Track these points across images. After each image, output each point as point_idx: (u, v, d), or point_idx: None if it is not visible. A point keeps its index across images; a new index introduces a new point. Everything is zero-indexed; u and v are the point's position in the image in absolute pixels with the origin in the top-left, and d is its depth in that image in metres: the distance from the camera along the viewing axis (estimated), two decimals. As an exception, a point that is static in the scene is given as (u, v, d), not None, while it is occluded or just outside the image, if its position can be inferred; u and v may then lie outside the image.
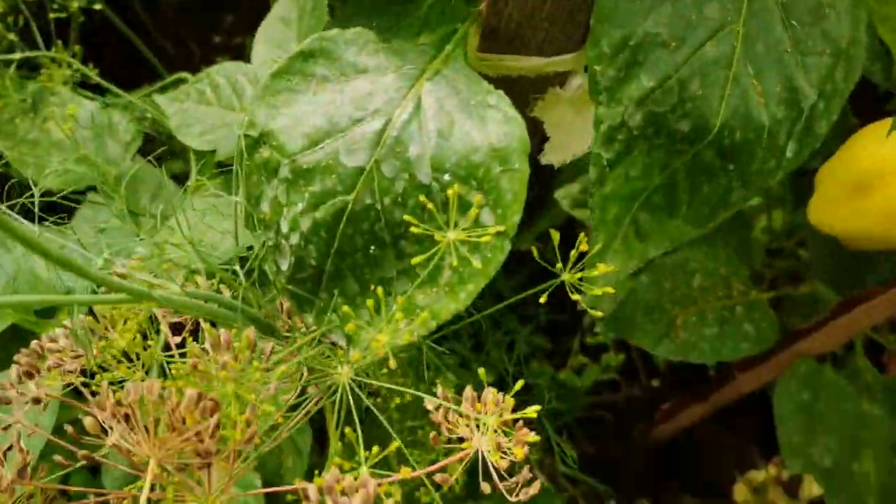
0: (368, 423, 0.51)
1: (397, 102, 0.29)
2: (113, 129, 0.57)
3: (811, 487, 0.91)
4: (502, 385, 0.83)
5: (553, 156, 0.35)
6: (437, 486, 0.45)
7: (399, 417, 0.43)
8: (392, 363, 0.34)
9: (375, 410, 0.30)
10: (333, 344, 0.32)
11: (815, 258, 0.60)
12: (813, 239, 0.60)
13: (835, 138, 0.56)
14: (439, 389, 0.29)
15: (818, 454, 0.59)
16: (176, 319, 0.35)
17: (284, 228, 0.30)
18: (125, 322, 0.32)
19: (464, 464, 0.28)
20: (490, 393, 0.28)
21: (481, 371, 0.30)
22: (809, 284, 0.64)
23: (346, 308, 0.28)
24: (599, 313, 0.60)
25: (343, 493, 0.24)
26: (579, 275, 0.29)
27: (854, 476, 0.60)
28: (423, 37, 0.31)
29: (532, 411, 0.28)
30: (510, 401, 0.29)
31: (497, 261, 0.28)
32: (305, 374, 0.33)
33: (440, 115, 0.29)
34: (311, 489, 0.24)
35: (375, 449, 0.27)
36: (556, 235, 0.29)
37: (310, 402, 0.32)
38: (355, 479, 0.25)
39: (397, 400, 0.40)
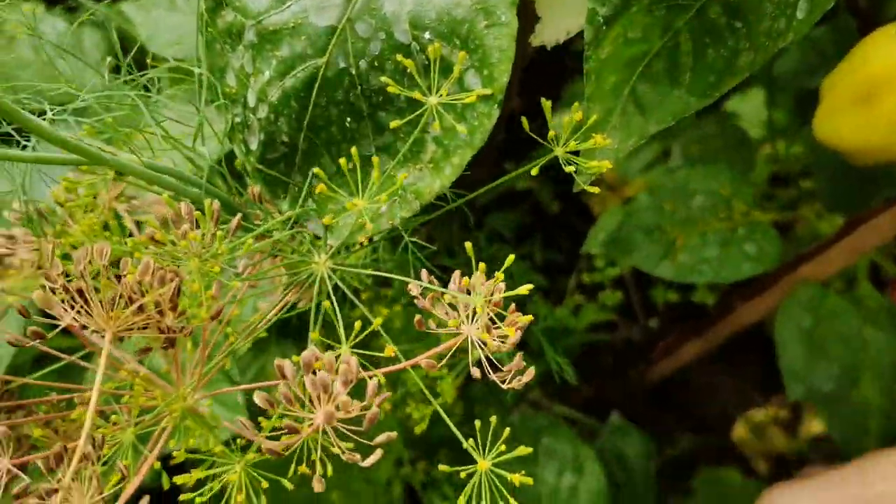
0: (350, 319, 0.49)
1: (373, -41, 0.27)
2: (83, 47, 0.54)
3: (810, 426, 0.90)
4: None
5: (545, 35, 0.32)
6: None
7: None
8: (373, 250, 0.32)
9: (356, 300, 0.27)
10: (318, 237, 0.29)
11: (820, 179, 0.58)
12: (818, 159, 0.58)
13: (839, 51, 0.54)
14: (423, 273, 0.26)
15: (819, 380, 0.58)
16: (141, 218, 0.33)
17: (251, 101, 0.27)
18: (86, 212, 0.30)
19: (450, 352, 0.26)
20: (479, 273, 0.26)
21: (468, 245, 0.27)
22: (813, 208, 0.62)
23: (321, 187, 0.26)
24: (594, 249, 0.58)
25: (320, 370, 0.22)
26: (573, 146, 0.27)
27: (855, 402, 0.59)
28: None
29: (525, 289, 0.26)
30: (500, 279, 0.26)
31: (484, 129, 0.26)
32: (285, 278, 0.30)
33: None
34: (287, 366, 0.22)
35: (358, 324, 0.24)
36: (547, 104, 0.27)
37: (286, 293, 0.29)
38: (336, 357, 0.23)
39: (383, 292, 0.37)
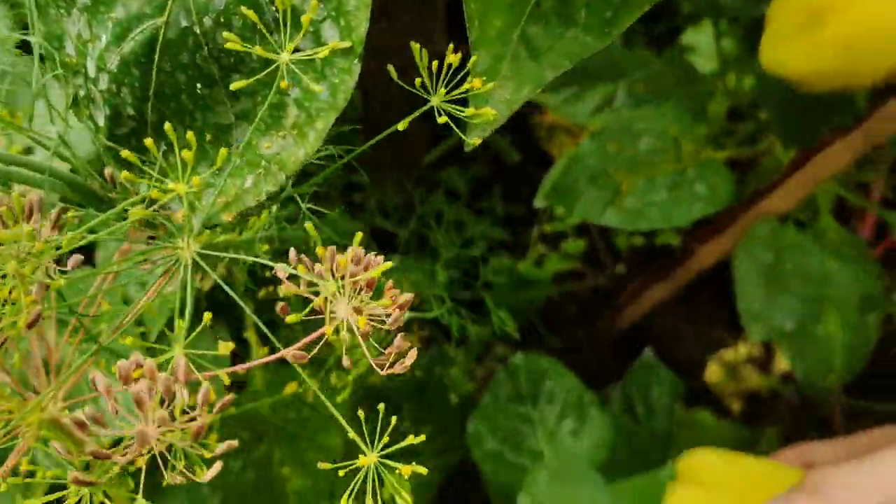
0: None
1: None
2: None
3: (782, 362, 0.89)
4: (464, 285, 0.78)
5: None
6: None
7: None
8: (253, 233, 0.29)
9: (228, 288, 0.25)
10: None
11: (769, 110, 0.55)
12: (766, 89, 0.55)
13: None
14: (291, 252, 0.24)
15: (780, 318, 0.56)
16: None
17: (91, 71, 0.24)
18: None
19: (321, 341, 0.23)
20: (351, 250, 0.23)
21: (359, 235, 0.25)
22: (767, 142, 0.59)
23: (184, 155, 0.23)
24: (540, 202, 0.55)
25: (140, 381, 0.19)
26: (456, 93, 0.24)
27: (818, 338, 0.57)
28: None
29: (380, 269, 0.23)
30: (378, 261, 0.24)
31: (346, 86, 0.23)
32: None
33: None
34: (99, 378, 0.19)
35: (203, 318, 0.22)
36: (416, 47, 0.24)
37: (164, 281, 0.27)
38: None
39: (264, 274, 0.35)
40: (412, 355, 0.24)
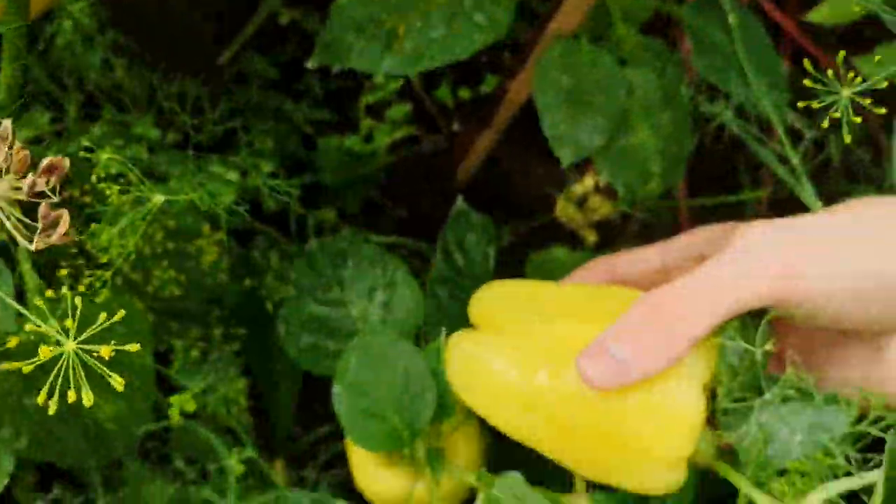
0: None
1: None
2: None
3: (628, 184, 0.90)
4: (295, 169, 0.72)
5: None
6: None
7: None
8: None
9: None
10: None
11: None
12: None
13: None
14: None
15: (587, 137, 0.55)
16: None
17: None
18: None
19: None
20: None
21: None
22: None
23: None
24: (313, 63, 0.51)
25: None
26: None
27: (631, 148, 0.57)
28: None
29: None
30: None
31: None
32: None
33: None
34: None
35: None
36: None
37: None
38: None
39: None
40: (65, 223, 0.21)
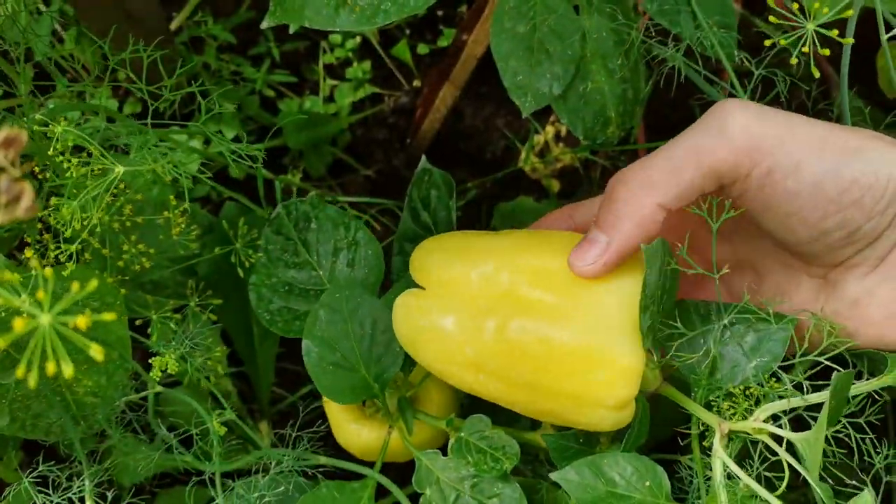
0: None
1: None
2: None
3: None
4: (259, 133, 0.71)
5: None
6: None
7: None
8: None
9: None
10: None
11: None
12: None
13: None
14: None
15: (546, 85, 0.55)
16: None
17: None
18: None
19: None
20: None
21: None
22: None
23: None
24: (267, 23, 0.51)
25: None
26: None
27: (589, 94, 0.58)
28: None
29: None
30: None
31: None
32: None
33: None
34: None
35: None
36: None
37: None
38: None
39: None
40: (29, 195, 0.21)
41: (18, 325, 0.23)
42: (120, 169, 0.35)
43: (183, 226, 0.46)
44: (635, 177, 0.40)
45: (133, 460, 0.51)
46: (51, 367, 0.26)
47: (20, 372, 0.26)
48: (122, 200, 0.41)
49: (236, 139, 0.76)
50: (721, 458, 0.39)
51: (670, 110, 0.84)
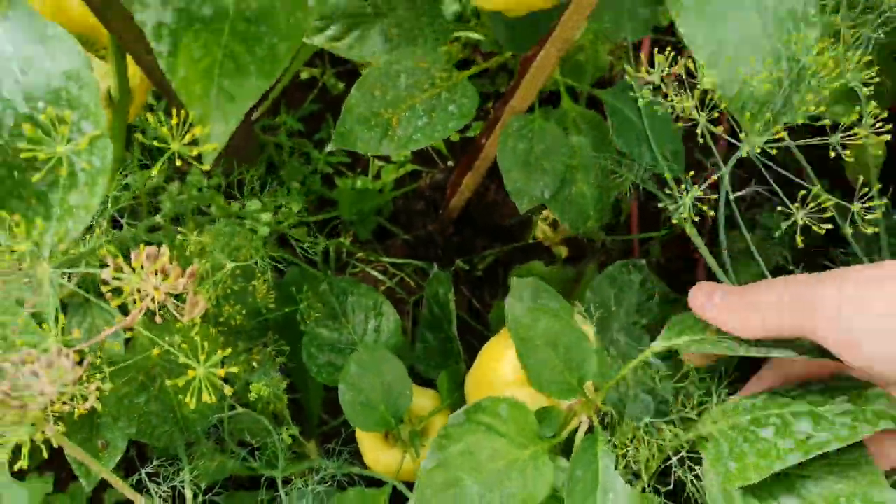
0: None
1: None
2: None
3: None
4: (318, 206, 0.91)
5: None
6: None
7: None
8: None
9: (81, 291, 0.39)
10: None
11: (498, 34, 0.69)
12: (492, 19, 0.69)
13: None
14: (108, 260, 0.38)
15: (540, 190, 0.72)
16: None
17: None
18: None
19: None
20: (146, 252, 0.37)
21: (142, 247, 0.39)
22: (500, 56, 0.74)
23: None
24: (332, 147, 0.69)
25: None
26: (188, 138, 0.38)
27: (573, 197, 0.74)
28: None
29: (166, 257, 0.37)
30: (166, 260, 0.38)
31: (108, 158, 0.36)
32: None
33: (18, 54, 0.35)
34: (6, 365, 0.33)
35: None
36: (153, 118, 0.37)
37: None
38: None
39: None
40: (201, 306, 0.39)
41: (190, 373, 0.40)
42: (230, 265, 0.53)
43: (265, 291, 0.64)
44: (748, 300, 0.47)
45: (216, 464, 0.69)
46: (189, 400, 0.43)
47: (145, 399, 0.44)
48: (225, 275, 0.59)
49: (300, 212, 0.94)
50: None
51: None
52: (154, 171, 0.37)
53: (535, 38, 0.68)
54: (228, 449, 0.75)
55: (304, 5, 0.38)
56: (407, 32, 0.69)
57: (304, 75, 1.06)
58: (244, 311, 0.61)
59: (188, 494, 0.62)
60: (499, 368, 0.63)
